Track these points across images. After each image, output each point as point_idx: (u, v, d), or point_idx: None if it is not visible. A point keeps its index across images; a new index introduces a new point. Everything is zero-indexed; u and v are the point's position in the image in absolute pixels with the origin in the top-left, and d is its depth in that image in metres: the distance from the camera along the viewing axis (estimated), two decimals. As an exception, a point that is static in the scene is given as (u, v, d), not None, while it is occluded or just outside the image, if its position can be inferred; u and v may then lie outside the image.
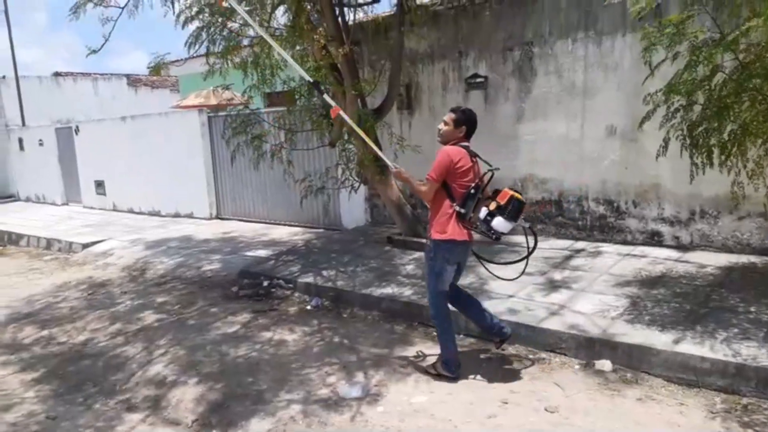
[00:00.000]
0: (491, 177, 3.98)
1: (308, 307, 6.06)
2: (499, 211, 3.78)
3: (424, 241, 7.10)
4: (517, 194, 3.83)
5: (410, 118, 8.47)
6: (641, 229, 6.75)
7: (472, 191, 3.88)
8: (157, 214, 12.73)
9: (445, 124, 4.02)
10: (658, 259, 6.15)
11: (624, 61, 6.48)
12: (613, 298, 5.01)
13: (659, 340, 4.08)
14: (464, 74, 7.76)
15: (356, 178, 7.74)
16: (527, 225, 4.01)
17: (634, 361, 4.04)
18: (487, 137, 7.64)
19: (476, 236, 4.02)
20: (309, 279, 6.54)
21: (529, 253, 4.07)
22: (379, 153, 4.87)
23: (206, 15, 7.07)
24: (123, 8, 6.68)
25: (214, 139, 11.23)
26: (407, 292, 5.72)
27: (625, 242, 6.83)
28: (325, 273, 6.69)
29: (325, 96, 5.16)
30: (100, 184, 14.37)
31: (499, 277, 4.58)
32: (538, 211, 7.42)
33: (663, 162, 5.75)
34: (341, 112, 4.71)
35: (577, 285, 5.45)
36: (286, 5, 6.75)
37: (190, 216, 11.90)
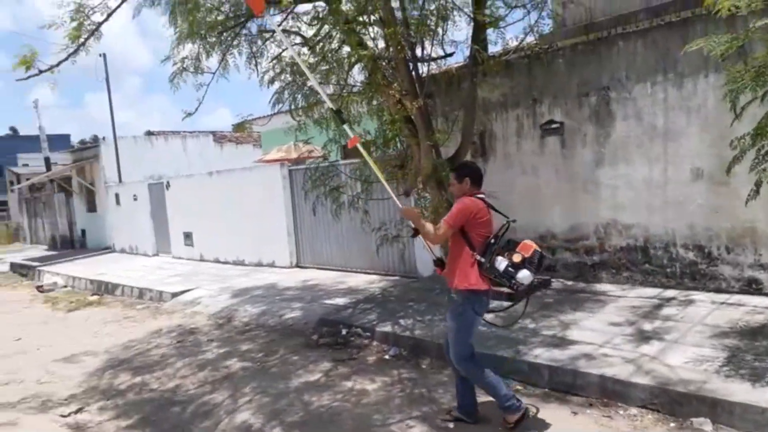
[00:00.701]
0: (507, 228, 4.00)
1: (387, 356, 6.07)
2: (525, 263, 3.79)
3: (502, 290, 7.03)
4: (537, 246, 3.89)
5: (485, 165, 8.49)
6: (737, 277, 6.36)
7: (492, 241, 3.91)
8: (241, 263, 13.25)
9: (451, 185, 4.17)
10: (758, 308, 5.75)
11: (707, 103, 6.27)
12: (709, 350, 4.72)
13: (764, 397, 3.79)
14: (539, 120, 7.75)
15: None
16: (547, 278, 4.03)
17: (736, 420, 3.76)
18: (565, 183, 7.58)
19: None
20: (387, 328, 6.57)
21: (526, 305, 4.13)
22: (390, 190, 4.92)
23: (287, 75, 7.49)
24: (214, 74, 7.19)
25: (295, 190, 11.67)
26: (487, 343, 5.62)
27: (719, 290, 6.45)
28: (402, 322, 6.70)
29: (345, 126, 5.22)
30: (188, 236, 15.17)
31: (494, 325, 4.60)
32: (620, 257, 7.16)
33: (757, 205, 5.45)
34: (359, 144, 4.79)
35: (669, 336, 5.18)
36: (362, 63, 7.03)
37: (272, 265, 12.30)
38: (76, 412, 5.37)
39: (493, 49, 7.74)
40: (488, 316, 4.42)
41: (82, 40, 5.74)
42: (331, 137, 8.07)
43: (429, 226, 4.05)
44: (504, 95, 8.12)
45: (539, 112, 7.76)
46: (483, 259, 3.87)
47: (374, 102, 7.80)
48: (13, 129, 67.58)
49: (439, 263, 4.20)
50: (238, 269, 12.63)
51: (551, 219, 7.82)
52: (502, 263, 3.81)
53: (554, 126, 7.56)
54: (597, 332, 5.45)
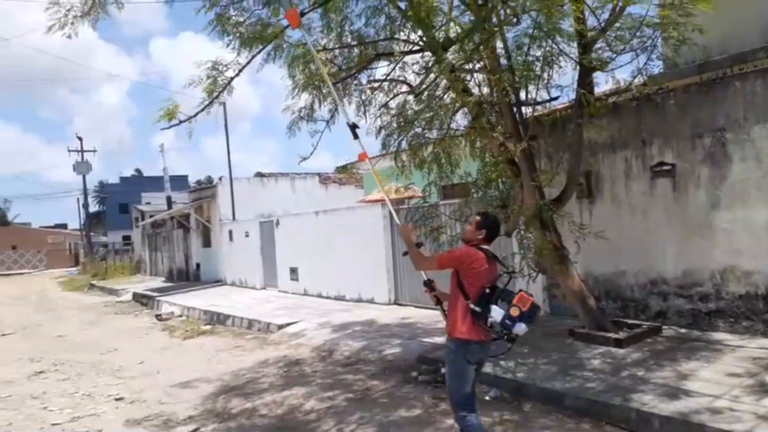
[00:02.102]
0: (509, 280, 4.04)
1: (487, 398, 6.04)
2: (522, 317, 3.79)
3: (610, 335, 6.82)
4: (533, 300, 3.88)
5: (591, 207, 8.36)
6: None
7: (488, 291, 3.91)
8: (342, 298, 13.67)
9: (469, 224, 4.21)
10: None
11: (838, 143, 5.89)
12: None
13: None
14: (648, 162, 7.57)
15: (534, 268, 7.74)
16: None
17: None
18: (678, 226, 7.30)
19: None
20: (487, 369, 6.54)
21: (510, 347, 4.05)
22: (394, 213, 4.99)
23: (394, 125, 7.85)
24: (327, 122, 7.71)
25: (394, 230, 11.98)
26: (593, 389, 5.48)
27: None
28: (503, 363, 6.66)
29: (359, 140, 5.35)
30: (293, 271, 15.88)
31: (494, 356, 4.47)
32: (739, 306, 6.73)
33: None
34: (370, 163, 4.89)
35: (796, 392, 4.82)
36: (467, 109, 7.25)
37: (371, 301, 12.60)
38: (194, 431, 5.80)
39: (600, 88, 7.73)
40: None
41: (215, 93, 6.42)
42: (431, 180, 8.31)
43: (418, 251, 4.22)
44: (611, 136, 8.01)
45: (649, 153, 7.58)
46: (478, 309, 3.91)
47: (477, 144, 7.98)
48: (138, 170, 74.10)
49: (427, 284, 4.35)
50: (339, 304, 13.03)
51: (662, 263, 7.52)
52: (498, 314, 3.83)
53: (665, 168, 7.34)
54: (714, 383, 5.16)
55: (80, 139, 41.61)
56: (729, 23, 8.16)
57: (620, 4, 6.03)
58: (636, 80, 6.92)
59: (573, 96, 7.22)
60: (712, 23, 6.94)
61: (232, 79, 6.68)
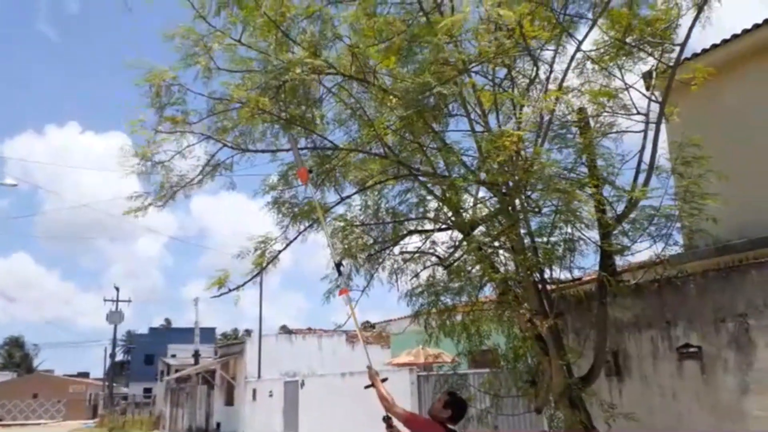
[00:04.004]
0: None
1: None
2: None
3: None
4: None
5: (620, 386, 8.33)
6: None
7: None
8: (366, 470, 13.12)
9: (438, 400, 4.42)
10: None
11: None
12: None
13: None
14: (674, 344, 7.69)
15: (566, 448, 7.56)
16: None
17: None
18: (708, 411, 7.21)
19: None
20: None
21: None
22: (362, 340, 5.18)
23: (424, 296, 8.26)
24: (363, 291, 8.18)
25: (422, 396, 11.87)
26: None
27: None
28: None
29: (340, 278, 5.58)
30: (316, 436, 15.46)
31: None
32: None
33: None
34: (349, 300, 5.12)
35: None
36: (494, 284, 7.65)
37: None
38: None
39: (623, 262, 8.07)
40: None
41: (264, 264, 7.02)
42: (461, 350, 8.49)
43: (388, 394, 4.56)
44: (636, 316, 8.23)
45: (674, 335, 7.73)
46: None
47: (504, 318, 8.25)
48: (167, 320, 74.83)
49: (386, 420, 4.52)
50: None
51: (697, 450, 7.31)
52: None
53: (692, 350, 7.44)
54: None
55: (117, 289, 42.92)
56: (744, 210, 8.75)
57: (633, 199, 6.62)
58: (656, 264, 7.31)
59: (597, 268, 7.58)
60: (731, 210, 7.47)
61: (279, 252, 7.31)
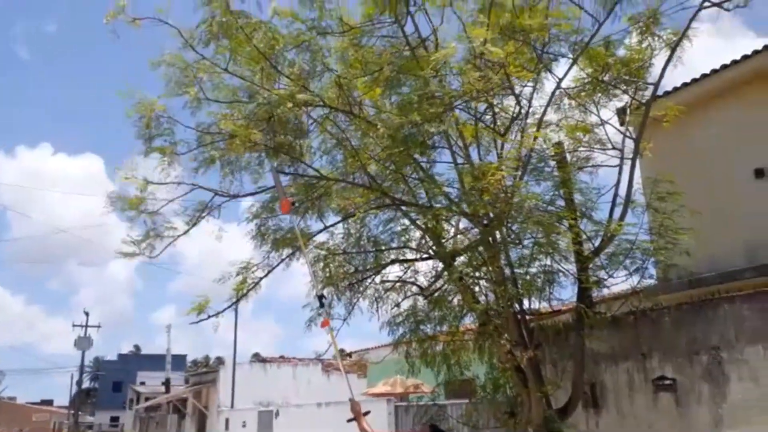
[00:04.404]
0: None
1: None
2: None
3: None
4: None
5: (597, 417, 8.39)
6: None
7: None
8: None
9: None
10: None
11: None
12: None
13: None
14: (650, 375, 7.80)
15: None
16: None
17: None
18: (684, 444, 7.30)
19: None
20: None
21: None
22: (348, 383, 5.31)
23: (403, 322, 8.30)
24: (344, 320, 8.18)
25: (400, 427, 11.79)
26: None
27: None
28: None
29: (324, 309, 5.70)
30: (290, 468, 15.17)
31: None
32: None
33: None
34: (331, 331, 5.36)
35: None
36: (474, 314, 7.72)
37: None
38: None
39: (599, 294, 8.21)
40: None
41: (244, 291, 7.00)
42: (440, 380, 8.51)
43: (370, 430, 4.78)
44: (612, 348, 8.34)
45: (650, 367, 7.85)
46: None
47: (484, 349, 8.30)
48: (137, 347, 73.04)
49: None
50: None
51: (673, 482, 7.38)
52: None
53: (666, 382, 7.57)
54: None
55: (87, 314, 41.83)
56: (716, 244, 9.02)
57: (608, 234, 6.80)
58: (631, 296, 7.47)
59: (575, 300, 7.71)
60: (702, 243, 7.70)
61: (261, 279, 7.29)
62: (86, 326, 41.02)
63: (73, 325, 41.35)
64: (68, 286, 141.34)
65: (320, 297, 6.27)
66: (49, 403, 65.60)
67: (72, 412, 44.32)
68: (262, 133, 6.33)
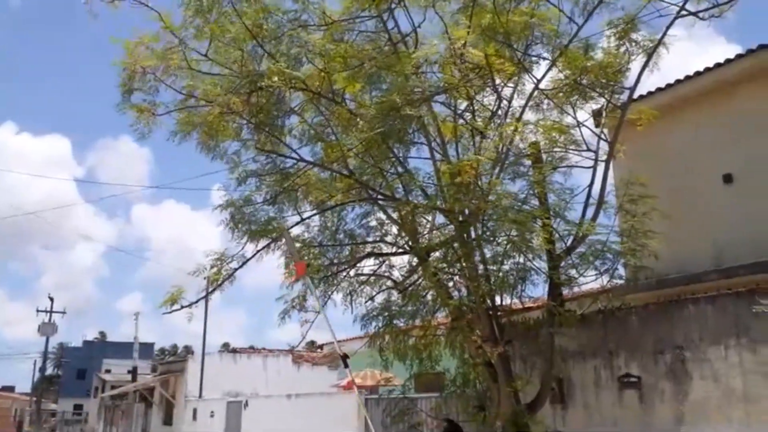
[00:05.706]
0: None
1: None
2: None
3: None
4: None
5: (564, 413, 8.56)
6: None
7: None
8: (307, 494, 12.94)
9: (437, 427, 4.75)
10: None
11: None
12: None
13: None
14: (616, 373, 7.99)
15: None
16: None
17: None
18: (646, 441, 7.50)
19: None
20: None
21: None
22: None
23: (378, 319, 8.35)
24: (318, 313, 8.18)
25: (369, 418, 11.83)
26: None
27: None
28: None
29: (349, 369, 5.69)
30: (258, 459, 15.13)
31: None
32: None
33: None
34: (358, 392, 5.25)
35: None
36: (447, 310, 7.81)
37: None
38: None
39: (571, 291, 8.37)
40: None
41: (219, 282, 6.96)
42: (411, 375, 8.59)
43: None
44: (581, 345, 8.51)
45: (616, 364, 8.03)
46: None
47: (456, 343, 8.41)
48: (102, 334, 71.59)
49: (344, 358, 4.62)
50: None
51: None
52: None
53: (632, 380, 7.76)
54: None
55: (51, 299, 40.80)
56: (684, 246, 9.22)
57: (580, 234, 6.94)
58: (600, 295, 7.64)
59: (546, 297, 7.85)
60: (669, 245, 7.90)
61: (236, 270, 7.27)
62: (50, 311, 40.09)
63: (38, 311, 40.38)
64: (31, 271, 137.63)
65: (344, 357, 6.31)
66: (11, 389, 64.15)
67: (35, 399, 43.44)
68: (244, 104, 6.27)
